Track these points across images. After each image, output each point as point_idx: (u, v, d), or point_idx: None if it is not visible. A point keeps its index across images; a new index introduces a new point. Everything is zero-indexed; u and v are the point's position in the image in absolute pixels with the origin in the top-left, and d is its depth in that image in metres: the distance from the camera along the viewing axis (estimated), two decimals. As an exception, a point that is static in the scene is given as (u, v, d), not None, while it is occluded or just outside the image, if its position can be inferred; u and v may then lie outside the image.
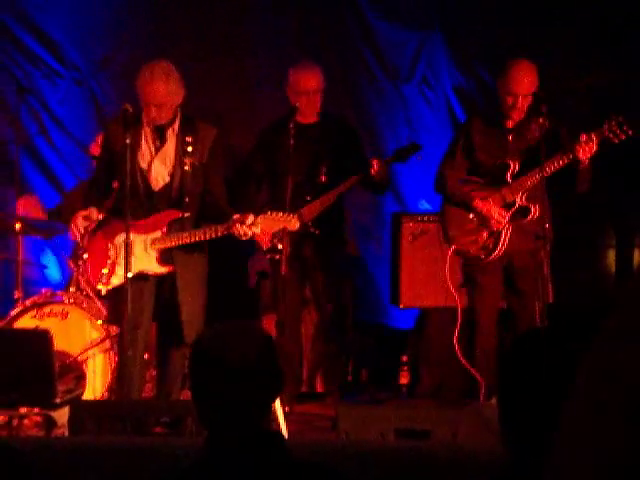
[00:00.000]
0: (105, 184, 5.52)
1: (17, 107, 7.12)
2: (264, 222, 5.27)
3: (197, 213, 5.44)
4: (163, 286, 5.44)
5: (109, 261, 5.47)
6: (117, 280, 5.41)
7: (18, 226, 6.37)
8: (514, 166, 5.65)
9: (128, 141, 5.16)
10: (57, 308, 6.10)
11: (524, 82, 5.60)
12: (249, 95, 7.48)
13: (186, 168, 5.36)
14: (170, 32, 7.38)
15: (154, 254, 5.39)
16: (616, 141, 5.41)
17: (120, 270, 5.36)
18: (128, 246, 5.14)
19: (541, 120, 5.50)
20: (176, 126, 5.40)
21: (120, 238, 5.39)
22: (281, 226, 5.34)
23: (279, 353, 2.64)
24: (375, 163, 5.92)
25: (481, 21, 7.31)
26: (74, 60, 7.50)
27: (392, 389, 6.62)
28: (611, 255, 7.07)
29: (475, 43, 7.39)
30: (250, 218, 5.21)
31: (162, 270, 5.38)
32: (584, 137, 5.40)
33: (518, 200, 5.63)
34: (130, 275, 5.11)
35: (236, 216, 5.26)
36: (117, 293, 5.41)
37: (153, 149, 5.38)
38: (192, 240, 5.33)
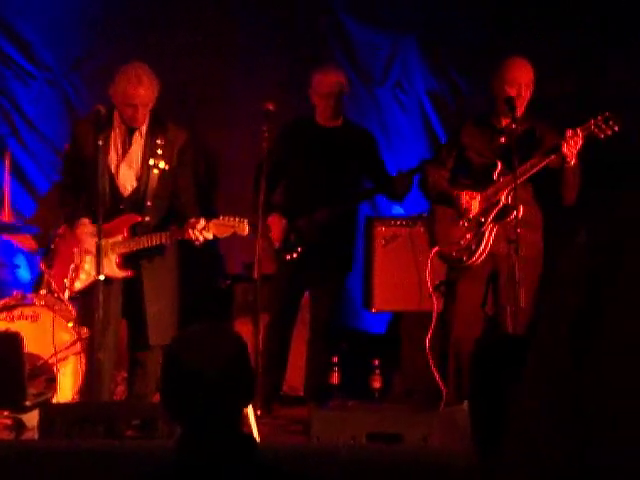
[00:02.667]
0: (75, 185, 5.49)
1: (-13, 108, 7.07)
2: (215, 227, 5.29)
3: (162, 217, 5.42)
4: (132, 289, 5.42)
5: (72, 265, 5.48)
6: (80, 284, 5.46)
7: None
8: (501, 165, 5.62)
9: (100, 143, 5.13)
10: (28, 310, 6.05)
11: (524, 71, 5.59)
12: (220, 95, 7.45)
13: (154, 171, 5.34)
14: (143, 33, 7.35)
15: (114, 258, 5.38)
16: (602, 136, 5.38)
17: (83, 274, 5.43)
18: (99, 249, 5.12)
19: (513, 126, 5.49)
20: (144, 128, 5.37)
21: (85, 243, 5.40)
22: (232, 231, 5.35)
23: (260, 355, 2.64)
24: (399, 180, 6.00)
25: (456, 25, 7.33)
26: (46, 60, 7.46)
27: (364, 393, 6.61)
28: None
29: (449, 47, 7.41)
30: (201, 223, 5.23)
31: (122, 274, 5.39)
32: (569, 132, 5.38)
33: (502, 199, 5.60)
34: (102, 278, 5.10)
35: (190, 220, 5.28)
36: (84, 296, 5.42)
37: (120, 152, 5.35)
38: (150, 244, 5.34)
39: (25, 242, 6.72)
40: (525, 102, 5.62)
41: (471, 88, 7.33)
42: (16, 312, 6.05)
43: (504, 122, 5.68)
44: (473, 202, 5.64)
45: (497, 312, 5.68)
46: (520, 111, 5.59)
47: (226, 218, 5.32)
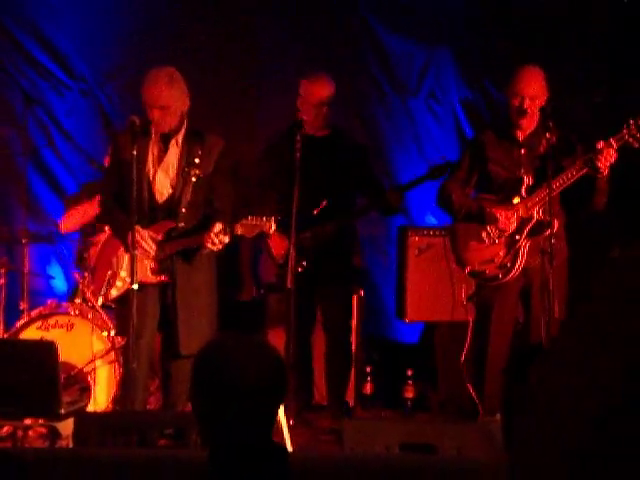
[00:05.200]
0: (117, 196, 5.48)
1: (24, 119, 7.12)
2: (243, 227, 5.29)
3: (195, 224, 5.41)
4: (166, 296, 5.43)
5: (109, 272, 5.52)
6: (116, 291, 5.49)
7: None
8: (528, 180, 5.56)
9: (135, 153, 5.15)
10: (63, 319, 6.10)
11: (530, 83, 5.53)
12: (258, 110, 7.48)
13: (190, 179, 5.35)
14: (178, 44, 7.39)
15: (149, 264, 5.38)
16: (637, 145, 5.29)
17: (119, 282, 5.46)
18: (133, 258, 5.12)
19: (548, 135, 5.42)
20: (180, 136, 5.39)
21: (121, 250, 5.45)
22: (259, 230, 5.35)
23: (286, 365, 2.63)
24: (391, 193, 5.97)
25: (489, 35, 7.31)
26: (81, 71, 7.51)
27: (397, 403, 6.60)
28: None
29: (483, 57, 7.40)
30: (218, 226, 5.21)
31: (156, 280, 5.39)
32: (601, 144, 5.30)
33: (535, 215, 5.53)
34: (136, 287, 5.09)
35: (211, 227, 5.27)
36: (121, 305, 5.43)
37: (156, 160, 5.38)
38: (173, 250, 5.35)
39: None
40: (532, 120, 5.57)
41: (504, 97, 7.31)
42: (51, 321, 6.10)
43: (520, 133, 5.63)
44: (511, 221, 5.58)
45: (528, 324, 5.63)
46: (528, 126, 5.56)
47: (253, 218, 5.31)
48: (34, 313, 6.19)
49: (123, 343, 5.54)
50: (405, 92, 7.60)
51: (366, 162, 6.26)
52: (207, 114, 7.11)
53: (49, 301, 6.38)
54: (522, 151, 5.62)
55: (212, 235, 5.20)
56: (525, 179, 5.57)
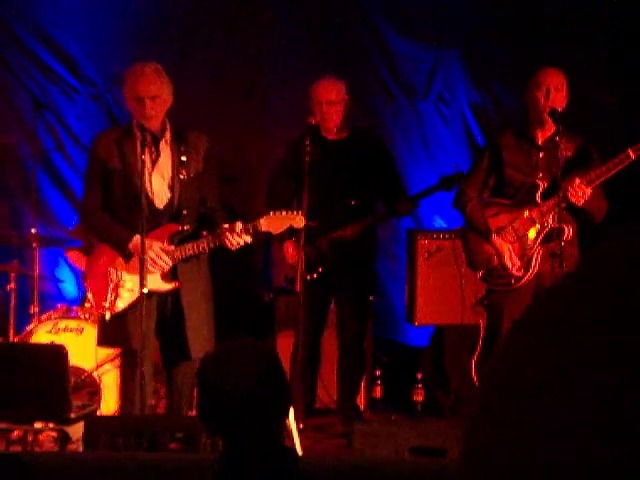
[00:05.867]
0: (104, 203, 5.34)
1: (34, 123, 7.14)
2: (269, 223, 5.15)
3: (197, 225, 5.34)
4: (166, 303, 5.32)
5: (112, 285, 5.32)
6: (123, 303, 5.29)
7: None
8: (543, 186, 5.51)
9: (144, 157, 5.10)
10: (72, 324, 6.11)
11: (555, 74, 5.47)
12: (264, 114, 7.49)
13: (184, 179, 5.24)
14: (186, 48, 7.41)
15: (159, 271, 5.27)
16: None
17: (125, 292, 5.28)
18: (142, 263, 5.08)
19: (557, 139, 5.37)
20: (168, 137, 5.27)
21: (119, 260, 5.31)
22: (287, 225, 5.19)
23: (292, 371, 2.64)
24: (402, 203, 5.95)
25: (498, 37, 7.31)
26: (90, 75, 7.53)
27: (407, 407, 6.60)
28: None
29: (491, 60, 7.39)
30: (239, 226, 5.10)
31: (167, 287, 5.25)
32: (577, 181, 5.31)
33: (550, 222, 5.49)
34: (146, 291, 5.04)
35: (225, 225, 5.16)
36: (121, 315, 5.29)
37: (149, 164, 5.23)
38: (194, 252, 5.23)
39: (76, 259, 6.73)
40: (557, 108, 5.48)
41: (513, 100, 7.31)
42: (61, 325, 6.11)
43: (542, 136, 5.56)
44: (506, 252, 5.54)
45: None
46: (552, 125, 5.44)
47: (278, 212, 5.16)
48: (44, 317, 6.20)
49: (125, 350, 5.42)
50: (414, 95, 7.60)
51: (388, 160, 6.22)
52: (215, 114, 7.14)
53: (59, 305, 6.39)
54: (540, 154, 5.56)
55: (235, 236, 5.10)
56: (540, 185, 5.52)
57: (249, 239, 5.15)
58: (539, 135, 5.58)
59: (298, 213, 5.20)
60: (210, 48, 7.46)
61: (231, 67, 7.47)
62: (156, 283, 5.21)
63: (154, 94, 5.15)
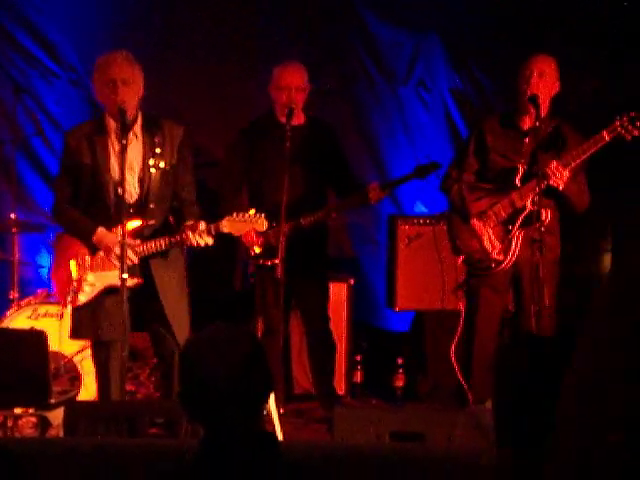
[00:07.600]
0: (74, 197, 5.27)
1: (14, 107, 7.10)
2: (231, 225, 5.12)
3: (165, 218, 5.26)
4: (143, 295, 5.20)
5: (74, 278, 5.25)
6: (84, 297, 5.22)
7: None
8: (523, 170, 5.53)
9: (125, 142, 4.99)
10: (53, 309, 6.08)
11: (541, 60, 5.49)
12: (244, 97, 7.46)
13: (155, 171, 5.16)
14: (169, 34, 7.38)
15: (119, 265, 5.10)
16: (629, 138, 5.29)
17: (87, 287, 5.21)
18: (124, 248, 4.99)
19: (537, 124, 5.42)
20: (138, 127, 5.18)
21: (83, 253, 5.25)
22: (249, 227, 5.20)
23: (269, 355, 2.64)
24: (374, 191, 5.89)
25: (478, 23, 7.31)
26: (70, 60, 7.48)
27: (387, 392, 6.62)
28: (607, 259, 7.06)
29: (472, 45, 7.39)
30: (202, 225, 5.05)
31: (132, 282, 5.08)
32: (554, 163, 5.35)
33: (528, 204, 5.51)
34: (125, 276, 4.96)
35: (188, 223, 5.11)
36: (83, 308, 5.23)
37: (118, 157, 5.09)
38: (146, 252, 5.15)
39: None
40: (546, 98, 5.51)
41: (494, 86, 7.32)
42: (41, 310, 6.09)
43: (528, 122, 5.58)
44: (485, 234, 5.58)
45: (519, 312, 5.65)
46: (543, 110, 5.49)
47: (240, 214, 5.13)
48: (24, 302, 6.18)
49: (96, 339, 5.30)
50: (394, 81, 7.59)
51: (340, 151, 6.17)
52: (196, 102, 7.12)
53: (39, 290, 6.37)
54: (526, 140, 5.58)
55: (196, 235, 5.05)
56: (520, 168, 5.55)
57: (210, 241, 5.10)
58: (526, 121, 5.60)
59: (260, 216, 5.16)
60: (193, 35, 7.42)
61: (214, 55, 7.44)
62: (117, 279, 5.03)
63: (126, 77, 5.07)
